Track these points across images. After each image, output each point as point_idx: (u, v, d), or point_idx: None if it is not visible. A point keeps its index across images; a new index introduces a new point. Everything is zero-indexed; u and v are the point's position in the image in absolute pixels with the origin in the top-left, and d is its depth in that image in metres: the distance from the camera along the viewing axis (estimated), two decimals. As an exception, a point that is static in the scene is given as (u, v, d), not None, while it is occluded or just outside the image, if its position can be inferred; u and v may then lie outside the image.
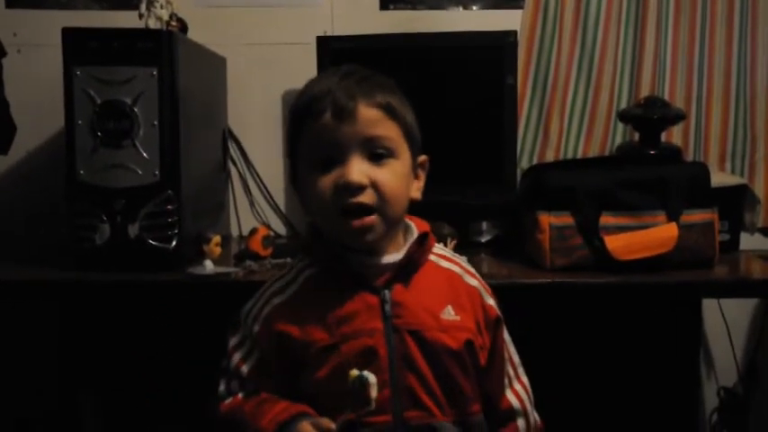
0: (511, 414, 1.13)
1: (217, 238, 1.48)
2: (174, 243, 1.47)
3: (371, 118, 1.02)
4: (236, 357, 1.08)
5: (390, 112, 1.04)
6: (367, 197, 1.01)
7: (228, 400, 1.08)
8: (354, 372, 0.93)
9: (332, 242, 1.06)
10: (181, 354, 1.87)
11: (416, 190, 1.10)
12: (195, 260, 1.47)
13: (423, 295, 1.06)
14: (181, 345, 1.87)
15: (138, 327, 1.87)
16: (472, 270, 1.15)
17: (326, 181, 1.02)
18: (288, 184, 1.99)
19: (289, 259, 1.51)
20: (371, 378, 0.92)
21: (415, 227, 1.12)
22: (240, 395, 1.07)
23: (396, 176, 1.03)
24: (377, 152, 1.03)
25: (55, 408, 1.81)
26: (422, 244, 1.09)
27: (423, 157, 1.11)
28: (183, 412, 1.90)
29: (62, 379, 1.76)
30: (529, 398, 1.15)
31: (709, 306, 1.93)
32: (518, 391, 1.14)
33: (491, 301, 1.13)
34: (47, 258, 1.59)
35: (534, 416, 1.16)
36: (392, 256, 1.07)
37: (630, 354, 1.87)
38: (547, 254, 1.46)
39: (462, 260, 1.15)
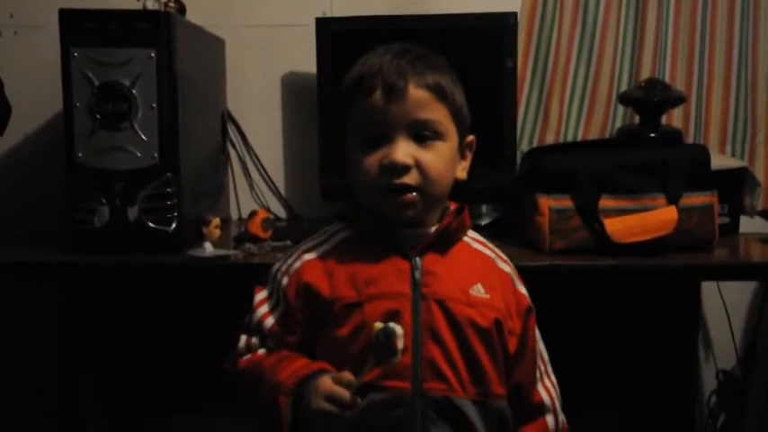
0: (540, 409, 1.13)
1: (216, 221, 1.48)
2: (173, 225, 1.47)
3: (421, 99, 1.03)
4: (261, 311, 1.09)
5: (440, 93, 1.04)
6: (411, 178, 1.03)
7: (248, 357, 1.08)
8: (379, 324, 0.92)
9: (372, 215, 1.07)
10: (180, 335, 1.88)
11: (462, 170, 1.11)
12: (195, 242, 1.47)
13: (454, 269, 1.07)
14: (180, 326, 1.88)
15: (137, 309, 1.87)
16: (505, 257, 1.15)
17: (372, 160, 1.03)
18: (287, 166, 1.99)
19: (288, 242, 1.52)
20: (398, 329, 0.91)
21: (451, 206, 1.13)
22: (260, 351, 1.08)
23: (441, 158, 1.04)
24: (424, 134, 1.03)
25: (54, 391, 1.82)
26: (458, 216, 1.10)
27: (470, 137, 1.11)
28: (182, 392, 1.92)
29: (62, 361, 1.76)
30: (558, 396, 1.16)
31: (709, 289, 1.93)
32: (548, 388, 1.15)
33: (523, 290, 1.13)
34: (46, 241, 1.58)
35: (562, 416, 1.16)
36: (429, 229, 1.08)
37: (629, 337, 1.87)
38: (546, 237, 1.46)
39: (496, 248, 1.16)
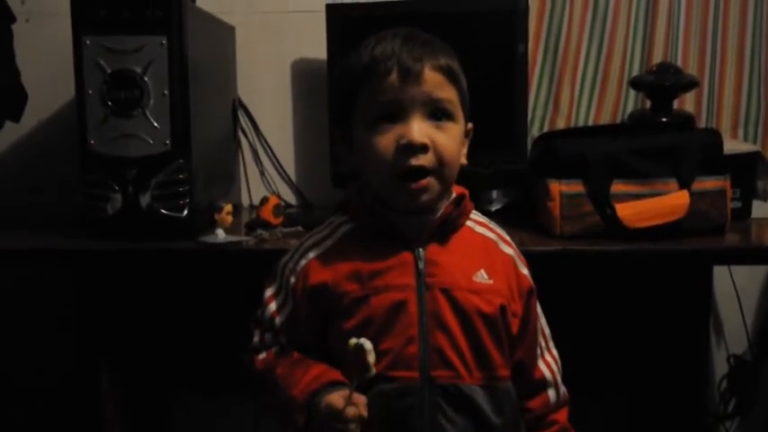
0: (542, 384, 1.15)
1: (228, 207, 1.49)
2: (185, 212, 1.48)
3: (436, 81, 1.03)
4: (272, 308, 1.10)
5: (451, 76, 1.05)
6: (426, 160, 1.02)
7: (262, 355, 1.11)
8: (353, 340, 0.95)
9: (371, 201, 1.07)
10: (193, 321, 1.89)
11: (463, 156, 1.11)
12: (207, 229, 1.48)
13: (457, 256, 1.07)
14: (193, 312, 1.89)
15: (150, 296, 1.88)
16: (508, 239, 1.16)
17: (386, 140, 1.03)
18: (298, 153, 1.99)
19: (300, 228, 1.52)
20: (367, 344, 0.94)
21: (454, 191, 1.12)
22: (273, 350, 1.10)
23: (453, 140, 1.05)
24: (439, 113, 1.03)
25: (71, 374, 1.83)
26: (458, 205, 1.09)
27: (470, 125, 1.11)
28: (195, 376, 1.93)
29: (79, 347, 1.78)
30: (559, 369, 1.17)
31: (720, 273, 1.92)
32: (549, 363, 1.16)
33: (525, 271, 1.14)
34: (59, 228, 1.59)
35: (563, 387, 1.17)
36: (432, 217, 1.07)
37: (640, 321, 1.87)
38: (557, 222, 1.46)
39: (499, 229, 1.16)
